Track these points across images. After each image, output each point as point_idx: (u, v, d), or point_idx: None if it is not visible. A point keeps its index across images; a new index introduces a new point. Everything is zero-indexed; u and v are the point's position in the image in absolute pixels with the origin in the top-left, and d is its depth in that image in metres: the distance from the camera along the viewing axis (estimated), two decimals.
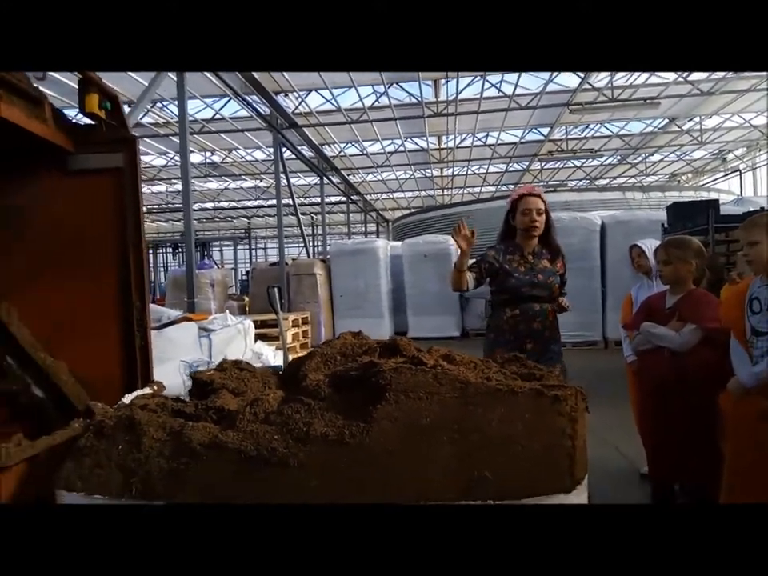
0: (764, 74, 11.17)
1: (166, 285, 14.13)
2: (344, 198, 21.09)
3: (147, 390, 2.35)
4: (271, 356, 6.40)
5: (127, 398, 2.13)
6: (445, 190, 24.24)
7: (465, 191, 24.63)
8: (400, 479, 1.31)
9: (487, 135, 16.84)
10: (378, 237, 22.83)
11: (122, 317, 2.51)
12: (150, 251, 24.03)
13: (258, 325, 7.93)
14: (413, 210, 20.85)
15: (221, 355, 5.35)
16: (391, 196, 25.02)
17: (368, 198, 23.68)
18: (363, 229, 25.96)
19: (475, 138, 16.83)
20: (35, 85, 2.27)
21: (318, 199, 18.41)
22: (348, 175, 19.30)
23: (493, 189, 23.77)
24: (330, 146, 16.64)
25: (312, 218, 25.79)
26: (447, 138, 16.85)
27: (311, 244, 27.22)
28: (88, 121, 2.47)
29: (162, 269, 23.49)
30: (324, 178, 16.80)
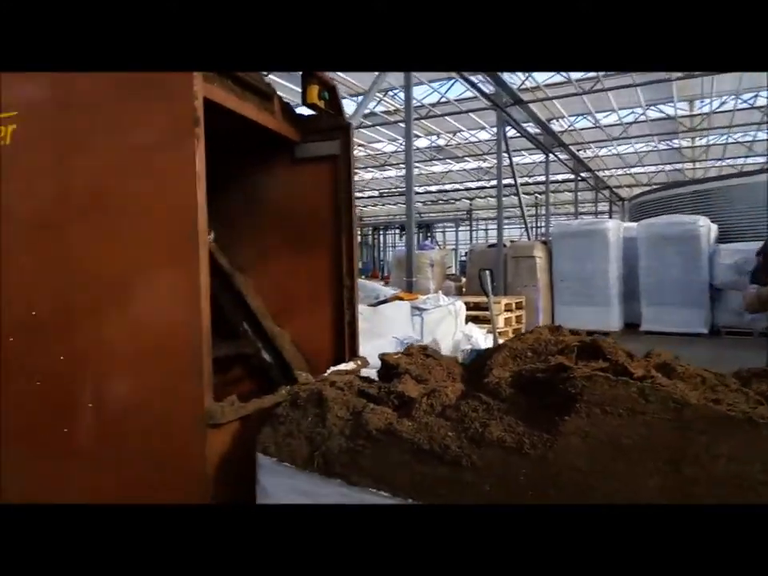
0: None
1: (391, 264, 15.07)
2: (572, 176, 19.78)
3: (351, 365, 2.49)
4: (482, 339, 6.33)
5: (332, 370, 2.28)
6: (696, 163, 21.05)
7: (722, 163, 21.04)
8: (584, 500, 1.12)
9: (756, 96, 14.03)
10: (610, 217, 20.96)
11: (334, 294, 2.68)
12: (381, 232, 25.94)
13: (471, 307, 7.93)
14: (654, 187, 18.56)
15: (432, 334, 5.48)
16: (628, 172, 22.68)
17: (600, 174, 21.82)
18: (594, 208, 24.08)
19: (739, 100, 14.16)
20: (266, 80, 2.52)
21: (543, 178, 17.59)
22: (578, 151, 18.01)
23: (762, 159, 19.81)
24: (557, 121, 15.71)
25: (536, 197, 24.84)
26: (702, 102, 14.52)
27: (534, 225, 26.31)
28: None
29: (390, 249, 25.16)
30: (550, 155, 15.95)
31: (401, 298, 4.66)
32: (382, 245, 25.59)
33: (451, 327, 5.80)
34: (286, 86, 10.36)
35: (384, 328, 4.39)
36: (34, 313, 1.80)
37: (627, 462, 1.12)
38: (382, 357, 1.78)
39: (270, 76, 9.22)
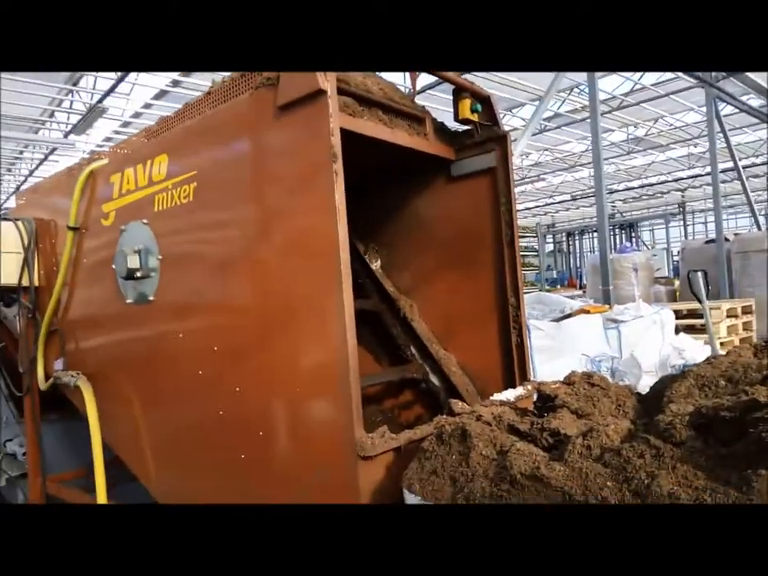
0: None
1: (586, 271, 14.02)
2: None
3: (521, 390, 2.30)
4: (698, 352, 5.46)
5: (497, 396, 2.13)
6: None
7: None
8: None
9: None
10: None
11: (499, 314, 2.53)
12: (576, 238, 24.41)
13: (684, 315, 6.91)
14: None
15: (632, 348, 4.89)
16: None
17: None
18: None
19: None
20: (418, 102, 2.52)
21: None
22: None
23: None
24: None
25: None
26: None
27: (765, 212, 22.25)
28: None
29: (588, 255, 23.52)
30: None
31: (587, 311, 4.24)
32: (578, 251, 24.02)
33: (656, 340, 5.11)
34: None
35: (570, 344, 4.04)
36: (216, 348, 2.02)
37: None
38: (539, 387, 1.60)
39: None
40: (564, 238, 24.96)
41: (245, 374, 1.93)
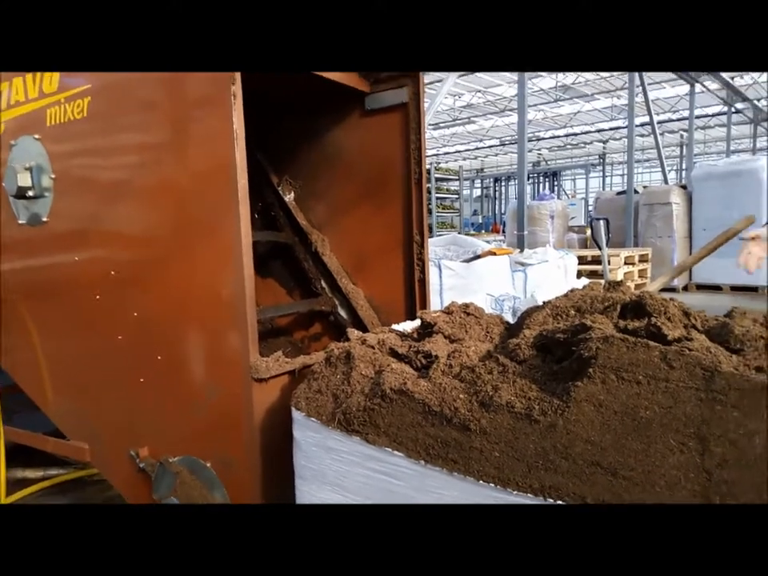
0: None
1: (506, 217, 14.51)
2: (725, 108, 17.30)
3: (418, 322, 2.45)
4: None
5: (395, 327, 2.26)
6: None
7: None
8: (597, 477, 1.01)
9: None
10: None
11: (406, 251, 2.64)
12: (503, 184, 24.97)
13: (589, 261, 7.40)
14: None
15: (536, 290, 5.22)
16: None
17: (762, 104, 18.83)
18: (751, 145, 20.97)
19: None
20: None
21: (687, 113, 15.60)
22: (732, 78, 15.65)
23: None
24: None
25: (681, 136, 22.17)
26: None
27: (678, 168, 23.66)
28: None
29: (514, 200, 24.22)
30: (695, 85, 14.05)
31: (493, 253, 4.46)
32: (504, 197, 24.66)
33: (559, 283, 5.48)
34: None
35: (477, 285, 4.27)
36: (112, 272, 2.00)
37: (645, 435, 0.97)
38: (421, 314, 1.72)
39: None
40: (491, 184, 25.43)
41: (143, 299, 1.93)
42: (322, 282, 2.93)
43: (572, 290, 1.54)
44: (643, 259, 8.17)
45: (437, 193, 18.16)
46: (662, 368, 0.98)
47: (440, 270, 4.26)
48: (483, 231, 20.83)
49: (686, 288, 9.82)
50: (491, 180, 25.67)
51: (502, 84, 16.94)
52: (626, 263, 7.35)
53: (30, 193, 2.14)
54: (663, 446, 0.96)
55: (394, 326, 2.21)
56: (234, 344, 1.73)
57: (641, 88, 11.33)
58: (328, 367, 1.58)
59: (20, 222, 2.23)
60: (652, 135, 14.10)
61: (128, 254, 1.96)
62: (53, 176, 2.12)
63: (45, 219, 2.15)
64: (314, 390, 1.54)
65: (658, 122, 13.65)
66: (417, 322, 2.40)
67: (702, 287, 9.73)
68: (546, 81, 16.62)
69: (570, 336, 1.16)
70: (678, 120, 19.85)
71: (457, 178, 19.61)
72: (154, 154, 1.85)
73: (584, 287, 1.54)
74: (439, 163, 24.45)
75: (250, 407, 1.72)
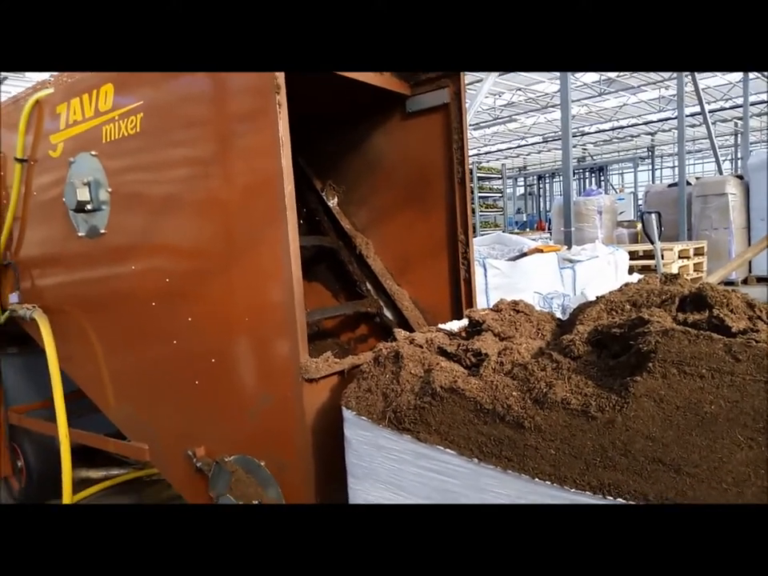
0: None
1: (552, 214, 14.20)
2: None
3: (465, 321, 2.43)
4: None
5: (442, 326, 2.25)
6: None
7: None
8: (659, 474, 0.97)
9: None
10: None
11: (450, 251, 2.62)
12: (547, 181, 24.48)
13: (640, 256, 7.16)
14: None
15: (586, 287, 5.09)
16: None
17: None
18: None
19: None
20: None
21: (741, 101, 14.90)
22: None
23: None
24: None
25: (736, 124, 21.20)
26: None
27: (733, 158, 22.61)
28: None
29: (558, 197, 23.71)
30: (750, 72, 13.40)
31: (540, 251, 4.38)
32: (549, 194, 24.16)
33: (610, 279, 5.32)
34: None
35: (524, 283, 4.19)
36: (167, 280, 2.07)
37: (710, 431, 0.93)
38: (469, 312, 1.71)
39: None
40: (535, 181, 24.97)
41: (196, 304, 1.99)
42: (367, 285, 2.94)
43: (626, 285, 1.49)
44: (698, 252, 7.84)
45: (479, 192, 18.00)
46: (726, 361, 0.93)
47: (485, 269, 4.22)
48: (527, 229, 20.50)
49: (745, 281, 9.36)
50: (535, 177, 25.21)
51: (544, 81, 16.64)
52: (680, 257, 7.07)
53: (89, 206, 2.24)
54: (730, 441, 0.92)
55: (441, 326, 2.21)
56: (284, 346, 1.77)
57: (690, 77, 10.91)
58: (377, 367, 1.58)
59: (80, 234, 2.34)
60: (704, 125, 13.54)
61: (181, 262, 2.03)
62: (109, 189, 2.21)
63: (102, 231, 2.25)
64: (364, 389, 1.55)
65: (710, 111, 13.10)
66: (464, 322, 2.38)
67: (762, 280, 9.26)
68: (589, 75, 16.22)
69: (626, 330, 1.12)
70: (732, 108, 18.98)
71: (499, 176, 19.38)
72: (204, 164, 1.91)
73: (639, 281, 1.49)
74: (480, 162, 24.21)
75: (301, 407, 1.74)
